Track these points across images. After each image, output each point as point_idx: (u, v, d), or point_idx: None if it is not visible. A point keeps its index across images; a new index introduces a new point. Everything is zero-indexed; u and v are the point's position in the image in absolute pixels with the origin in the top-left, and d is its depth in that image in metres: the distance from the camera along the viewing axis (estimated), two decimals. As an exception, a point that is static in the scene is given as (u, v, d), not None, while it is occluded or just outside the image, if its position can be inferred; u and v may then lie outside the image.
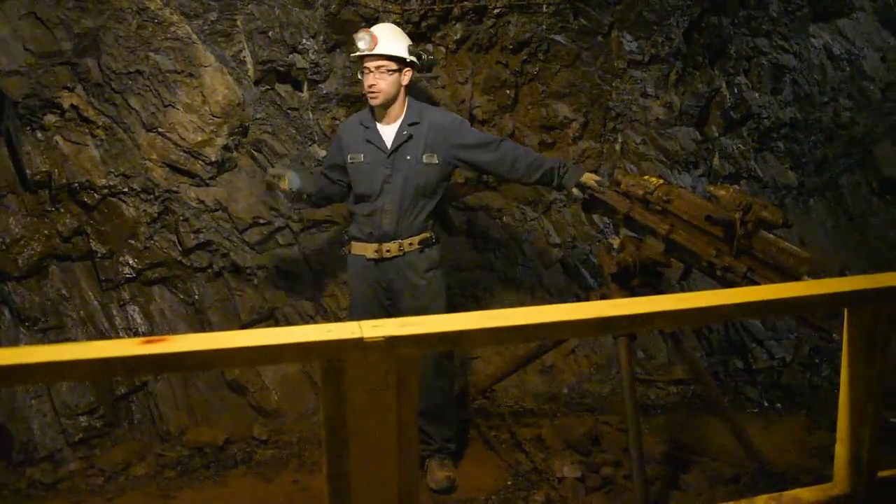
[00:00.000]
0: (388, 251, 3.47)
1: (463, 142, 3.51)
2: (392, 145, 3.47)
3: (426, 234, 3.52)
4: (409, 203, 3.46)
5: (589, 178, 3.47)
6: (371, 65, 3.40)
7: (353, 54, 3.54)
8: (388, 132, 3.50)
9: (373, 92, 3.42)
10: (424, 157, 3.46)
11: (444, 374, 3.63)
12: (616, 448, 3.74)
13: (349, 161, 3.53)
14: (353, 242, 3.58)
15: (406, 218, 3.46)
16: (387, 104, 3.46)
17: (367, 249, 3.50)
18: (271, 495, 3.46)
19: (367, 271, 3.53)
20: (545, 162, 3.55)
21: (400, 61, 3.42)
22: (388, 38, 3.42)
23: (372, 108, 3.54)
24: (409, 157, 3.46)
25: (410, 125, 3.49)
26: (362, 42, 3.39)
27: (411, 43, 3.52)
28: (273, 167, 3.73)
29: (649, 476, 3.25)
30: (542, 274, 4.78)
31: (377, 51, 3.38)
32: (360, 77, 3.51)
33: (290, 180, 3.53)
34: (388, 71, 3.40)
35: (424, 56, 3.56)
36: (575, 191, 3.51)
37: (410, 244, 3.48)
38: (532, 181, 3.57)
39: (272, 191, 3.91)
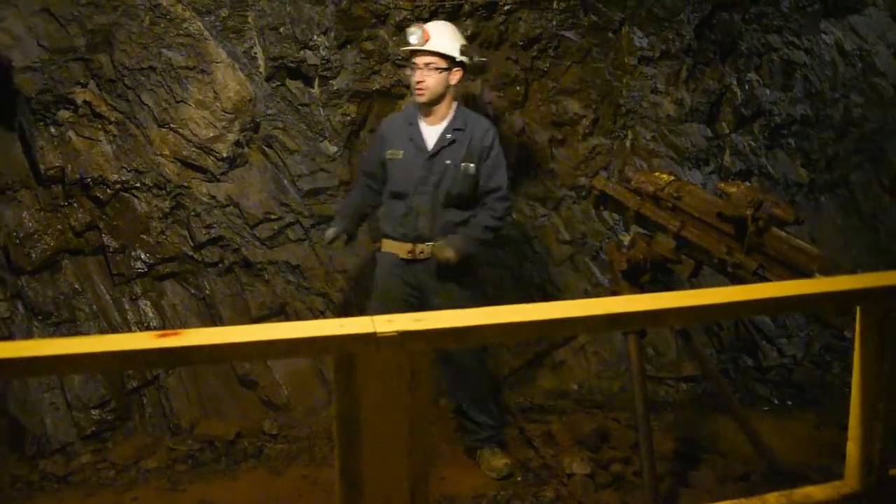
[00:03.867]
0: (421, 252, 3.44)
1: (483, 154, 3.46)
2: (434, 147, 3.44)
3: None
4: (442, 208, 3.43)
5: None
6: (420, 61, 3.37)
7: (403, 48, 3.49)
8: (431, 133, 3.46)
9: (420, 89, 3.38)
10: (463, 165, 3.43)
11: (481, 362, 3.65)
12: (625, 445, 3.74)
13: (387, 157, 3.49)
14: (385, 240, 3.54)
15: (440, 221, 3.43)
16: (433, 102, 3.43)
17: (401, 249, 3.46)
18: (281, 489, 3.48)
19: (398, 270, 3.50)
20: (476, 227, 3.47)
21: (450, 60, 3.38)
22: (441, 36, 3.38)
23: (418, 107, 3.49)
24: (448, 162, 3.42)
25: (455, 130, 3.45)
26: (413, 37, 3.35)
27: (465, 43, 3.48)
28: (326, 235, 3.69)
29: (659, 473, 3.25)
30: (551, 271, 4.78)
31: (427, 47, 3.35)
32: (408, 73, 3.47)
33: (334, 235, 3.63)
34: (437, 69, 3.37)
35: (476, 58, 3.52)
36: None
37: None
38: None
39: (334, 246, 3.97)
